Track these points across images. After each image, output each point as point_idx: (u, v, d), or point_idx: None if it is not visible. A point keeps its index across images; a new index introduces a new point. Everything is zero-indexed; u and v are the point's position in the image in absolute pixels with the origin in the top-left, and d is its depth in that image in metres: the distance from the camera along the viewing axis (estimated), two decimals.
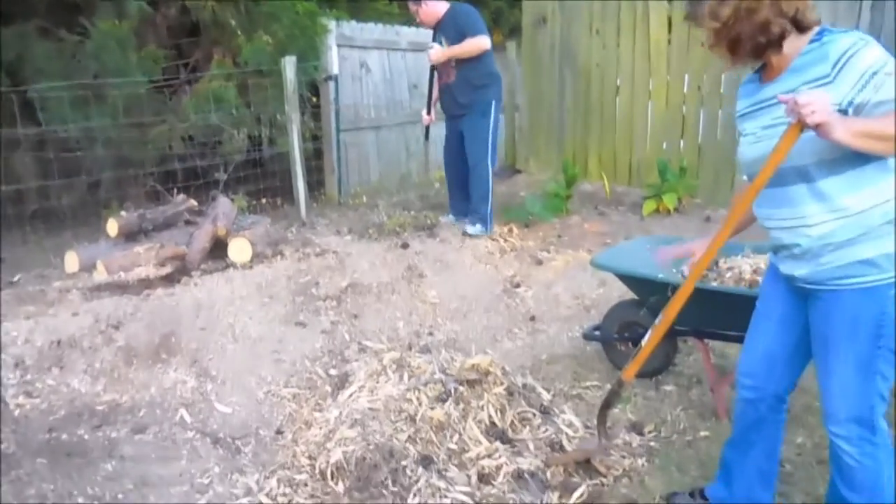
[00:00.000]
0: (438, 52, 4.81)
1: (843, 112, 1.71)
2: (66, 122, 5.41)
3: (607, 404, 2.43)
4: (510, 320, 3.82)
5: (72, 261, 4.44)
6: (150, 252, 4.39)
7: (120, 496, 2.48)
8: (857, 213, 1.77)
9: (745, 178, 2.01)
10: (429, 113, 5.25)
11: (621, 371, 2.31)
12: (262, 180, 5.91)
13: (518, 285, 4.15)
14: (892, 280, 1.76)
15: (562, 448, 2.61)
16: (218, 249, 4.59)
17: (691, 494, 2.34)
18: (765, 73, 1.91)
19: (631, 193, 5.82)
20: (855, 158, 1.74)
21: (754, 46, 1.80)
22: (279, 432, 2.84)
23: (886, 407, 1.87)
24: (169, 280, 4.21)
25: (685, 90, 5.56)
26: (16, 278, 4.50)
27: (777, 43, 1.80)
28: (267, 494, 2.40)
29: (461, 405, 2.72)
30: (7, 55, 5.64)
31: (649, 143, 5.85)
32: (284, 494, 2.38)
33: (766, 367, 2.06)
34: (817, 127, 1.64)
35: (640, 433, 2.77)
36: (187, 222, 4.81)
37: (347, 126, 6.58)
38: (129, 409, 2.95)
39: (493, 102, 4.82)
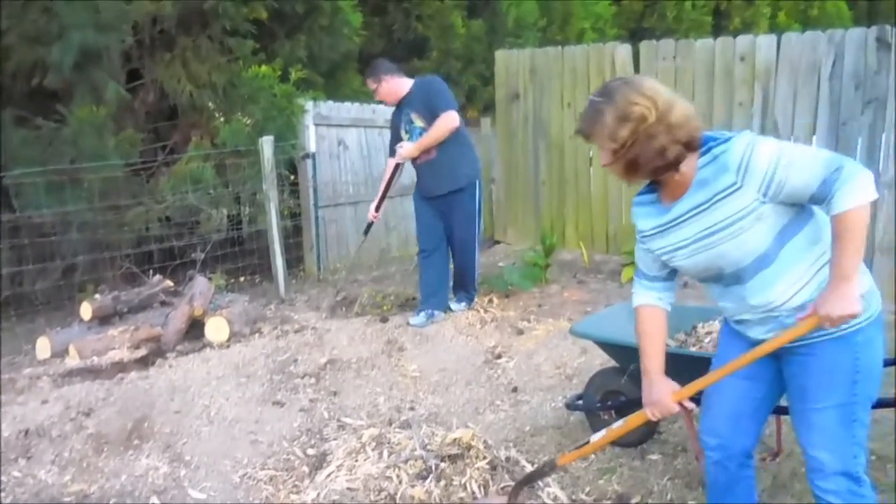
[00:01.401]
0: (408, 149, 4.59)
1: (758, 206, 1.79)
2: (42, 207, 5.43)
3: (528, 479, 2.47)
4: (492, 392, 3.77)
5: (43, 346, 4.37)
6: (124, 335, 4.36)
7: None
8: (813, 275, 1.84)
9: (696, 282, 2.07)
10: (378, 210, 5.00)
11: (558, 456, 2.34)
12: (241, 258, 5.92)
13: (499, 356, 4.13)
14: (859, 325, 1.81)
15: None
16: (195, 329, 4.56)
17: None
18: (664, 192, 1.96)
19: (609, 261, 5.88)
20: (786, 235, 1.83)
21: (652, 169, 1.86)
22: None
23: (866, 456, 1.87)
24: (144, 363, 4.16)
25: None
26: None
27: (674, 166, 1.85)
28: None
29: (442, 482, 2.66)
30: None
31: (625, 211, 5.95)
32: None
33: (732, 425, 2.07)
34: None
35: (627, 503, 2.71)
36: (163, 303, 4.78)
37: (326, 202, 6.65)
38: (97, 500, 2.84)
39: (477, 180, 4.68)
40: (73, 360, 4.17)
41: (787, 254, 1.84)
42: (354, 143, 7.15)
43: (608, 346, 2.99)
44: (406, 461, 2.73)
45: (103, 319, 4.52)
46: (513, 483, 2.73)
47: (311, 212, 6.34)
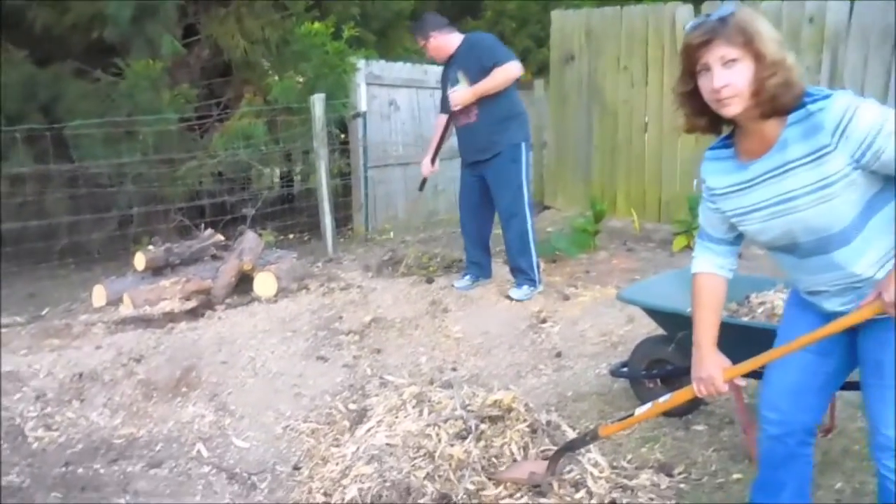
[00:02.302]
0: (463, 94, 4.25)
1: (850, 172, 1.64)
2: (98, 158, 5.55)
3: (569, 447, 2.43)
4: (535, 356, 3.73)
5: (99, 294, 4.49)
6: (175, 286, 4.44)
7: None
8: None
9: (765, 250, 1.93)
10: (433, 163, 4.68)
11: (600, 425, 2.30)
12: (290, 216, 5.97)
13: (544, 321, 4.07)
14: None
15: (587, 490, 2.51)
16: (244, 284, 4.62)
17: None
18: (742, 147, 1.79)
19: (660, 230, 5.73)
20: (874, 204, 1.69)
21: (779, 106, 1.67)
22: (297, 468, 2.78)
23: None
24: (193, 314, 4.23)
25: None
26: (44, 312, 4.57)
27: (781, 112, 1.68)
28: None
29: (482, 442, 2.63)
30: (43, 95, 5.82)
31: (679, 180, 5.78)
32: None
33: (794, 399, 1.95)
34: None
35: (670, 474, 2.65)
36: (214, 257, 4.86)
37: (375, 163, 6.63)
38: (145, 444, 2.92)
39: (523, 144, 4.34)
40: (126, 309, 4.28)
41: (875, 225, 1.69)
42: (405, 104, 7.10)
43: (656, 314, 2.91)
44: (446, 420, 2.71)
45: (156, 270, 4.61)
46: (553, 447, 2.71)
47: (361, 171, 6.34)
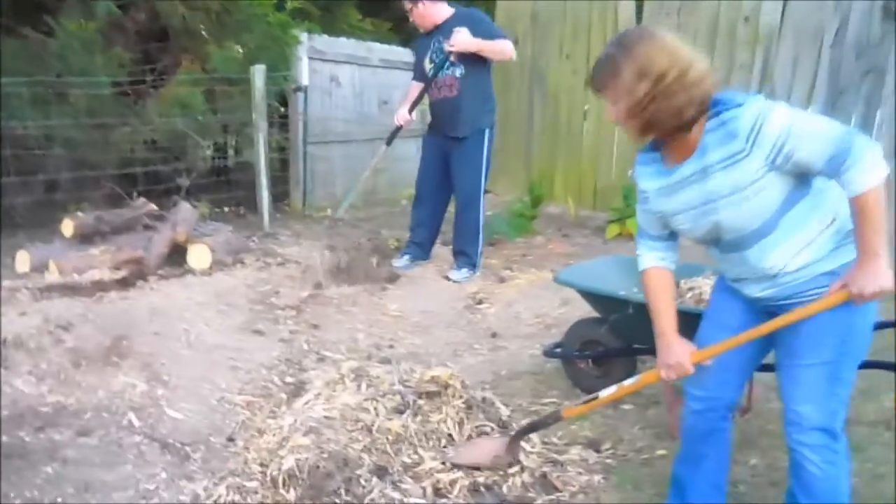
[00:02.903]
0: (466, 37, 4.12)
1: (765, 174, 1.77)
2: (26, 119, 5.30)
3: (532, 427, 2.53)
4: (472, 336, 3.81)
5: (23, 260, 4.33)
6: (105, 255, 4.31)
7: (59, 500, 2.38)
8: (811, 241, 1.84)
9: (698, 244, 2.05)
10: (410, 112, 4.49)
11: (564, 407, 2.40)
12: (226, 189, 5.85)
13: (480, 302, 4.16)
14: None
15: (521, 465, 2.59)
16: (177, 255, 4.52)
17: None
18: (668, 152, 1.92)
19: (595, 217, 5.90)
20: (789, 202, 1.81)
21: (667, 129, 1.82)
22: (230, 440, 2.77)
23: (846, 414, 1.91)
24: (124, 284, 4.12)
25: None
26: None
27: (689, 126, 1.81)
28: (215, 501, 2.33)
29: (419, 417, 2.70)
30: None
31: (615, 168, 5.95)
32: (234, 502, 2.32)
33: (720, 378, 2.07)
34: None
35: (597, 450, 2.76)
36: (146, 227, 4.73)
37: (315, 139, 6.56)
38: (74, 412, 2.84)
39: (491, 130, 4.39)
40: (52, 276, 4.13)
41: (788, 222, 1.82)
42: (347, 81, 7.03)
43: (591, 296, 3.02)
44: (384, 395, 2.76)
45: (85, 238, 4.46)
46: (487, 423, 2.79)
47: (300, 147, 6.26)
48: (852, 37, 4.80)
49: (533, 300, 4.20)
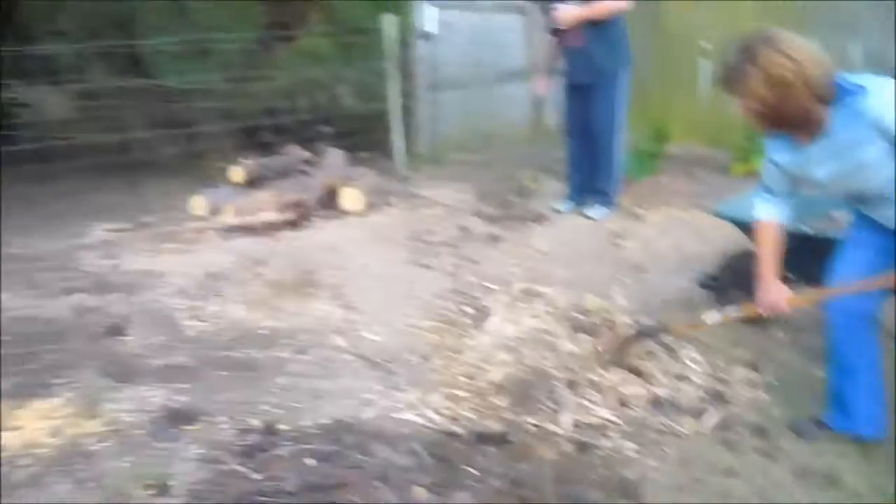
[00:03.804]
0: (572, 13, 4.30)
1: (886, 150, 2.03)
2: (174, 74, 5.75)
3: (642, 333, 2.95)
4: (618, 269, 4.06)
5: (199, 204, 4.82)
6: (271, 198, 4.75)
7: (296, 405, 2.83)
8: None
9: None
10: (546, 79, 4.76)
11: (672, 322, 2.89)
12: (358, 135, 6.19)
13: (621, 236, 4.40)
14: None
15: (690, 381, 2.88)
16: (328, 199, 4.93)
17: (814, 423, 2.61)
18: (797, 133, 2.15)
19: (716, 156, 6.00)
20: None
21: (793, 125, 2.08)
22: (425, 358, 3.15)
23: None
24: (292, 225, 4.57)
25: None
26: (147, 219, 4.89)
27: (814, 121, 2.06)
28: (432, 408, 2.72)
29: (592, 339, 3.03)
30: (118, 12, 5.98)
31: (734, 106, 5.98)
32: (448, 408, 2.70)
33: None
34: None
35: (757, 370, 3.03)
36: (300, 172, 5.15)
37: (430, 85, 6.78)
38: (288, 335, 3.30)
39: (626, 69, 4.51)
40: (229, 218, 4.60)
41: None
42: (458, 26, 7.18)
43: (750, 231, 3.22)
44: (560, 319, 3.10)
45: (248, 183, 4.92)
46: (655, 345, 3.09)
47: (422, 93, 6.51)
48: None
49: (670, 236, 4.42)
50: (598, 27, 4.37)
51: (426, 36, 6.04)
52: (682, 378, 2.91)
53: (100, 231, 4.61)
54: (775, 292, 2.39)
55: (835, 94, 2.04)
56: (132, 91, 5.83)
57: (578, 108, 4.63)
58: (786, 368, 3.06)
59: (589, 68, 4.46)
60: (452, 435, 2.57)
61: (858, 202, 2.30)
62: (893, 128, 1.99)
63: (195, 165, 6.15)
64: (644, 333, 2.99)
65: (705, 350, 3.17)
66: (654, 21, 6.38)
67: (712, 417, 2.67)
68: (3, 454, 2.41)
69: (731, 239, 4.15)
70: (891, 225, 2.24)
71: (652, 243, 4.35)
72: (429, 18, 6.02)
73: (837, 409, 2.52)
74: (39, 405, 2.73)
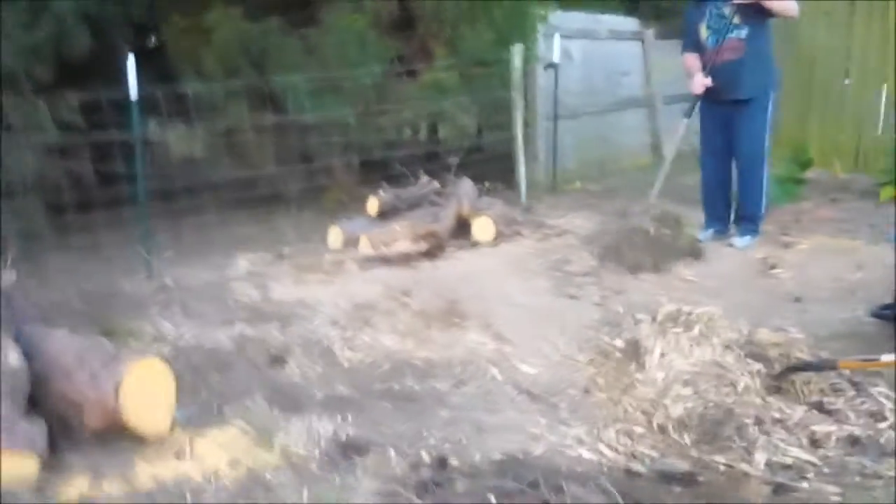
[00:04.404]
0: None
1: None
2: (308, 110, 5.92)
3: (804, 367, 2.81)
4: (772, 299, 3.86)
5: (336, 236, 4.90)
6: (406, 229, 4.78)
7: (462, 439, 2.77)
8: None
9: None
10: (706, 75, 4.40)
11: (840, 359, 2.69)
12: (482, 165, 6.20)
13: (773, 267, 4.19)
14: None
15: (886, 420, 2.66)
16: (459, 229, 4.93)
17: None
18: None
19: (859, 180, 5.67)
20: None
21: None
22: (587, 392, 3.05)
23: None
24: (429, 255, 4.58)
25: None
26: (285, 251, 5.01)
27: None
28: (607, 444, 2.61)
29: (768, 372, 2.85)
30: (253, 49, 6.24)
31: (882, 126, 5.67)
32: (624, 445, 2.59)
33: None
34: None
35: None
36: (431, 203, 5.18)
37: (548, 115, 6.75)
38: (444, 366, 3.26)
39: (774, 91, 4.44)
40: (365, 249, 4.65)
41: None
42: (578, 55, 7.17)
43: None
44: (730, 350, 2.94)
45: (382, 215, 4.99)
46: (838, 379, 2.88)
47: (542, 123, 6.48)
48: None
49: (825, 265, 4.17)
50: (760, 42, 4.29)
51: (553, 66, 6.00)
52: (876, 416, 2.69)
53: (243, 262, 4.76)
54: None
55: None
56: (266, 127, 6.06)
57: (722, 129, 4.48)
58: None
59: (745, 84, 4.33)
60: (632, 473, 2.45)
61: None
62: None
63: (319, 198, 6.31)
64: (807, 367, 2.82)
65: (893, 387, 2.94)
66: (793, 41, 6.13)
67: None
68: (188, 485, 2.45)
69: (889, 267, 3.92)
70: None
71: (805, 272, 4.11)
72: (556, 48, 5.98)
73: None
74: (216, 435, 2.78)
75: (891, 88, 5.54)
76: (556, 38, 5.93)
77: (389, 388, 3.12)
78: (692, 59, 4.55)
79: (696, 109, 4.63)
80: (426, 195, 5.14)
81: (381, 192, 5.04)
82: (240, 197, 6.00)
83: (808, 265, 4.20)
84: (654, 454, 2.52)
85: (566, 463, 2.53)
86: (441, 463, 2.60)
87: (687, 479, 2.38)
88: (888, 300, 3.40)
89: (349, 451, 2.71)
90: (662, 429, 2.59)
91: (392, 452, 2.66)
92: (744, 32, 4.28)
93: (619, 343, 3.35)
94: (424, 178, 5.28)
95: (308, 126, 6.13)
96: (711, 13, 4.38)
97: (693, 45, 4.54)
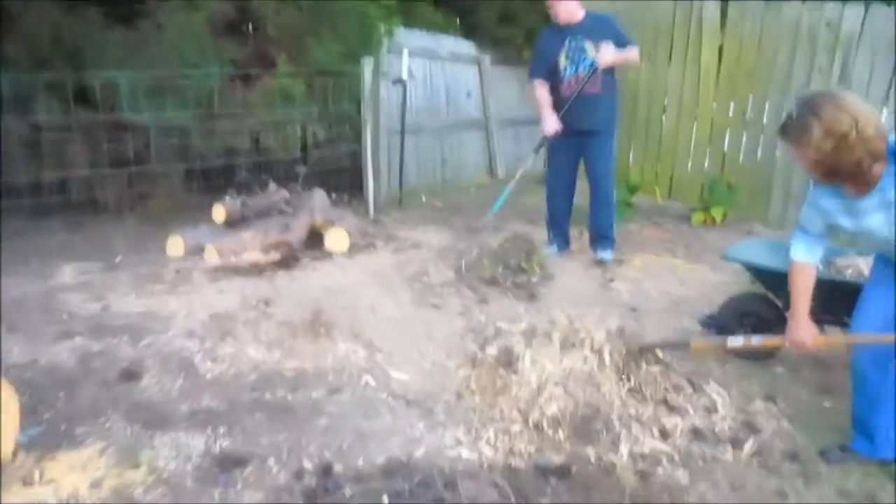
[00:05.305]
0: (613, 54, 4.61)
1: None
2: (143, 111, 5.66)
3: (661, 344, 3.38)
4: (614, 308, 4.30)
5: (176, 245, 4.74)
6: (255, 239, 4.74)
7: (343, 446, 2.85)
8: None
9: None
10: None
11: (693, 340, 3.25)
12: (327, 176, 6.27)
13: (612, 280, 4.69)
14: None
15: (718, 413, 3.13)
16: (311, 239, 4.97)
17: (840, 449, 2.90)
18: (850, 187, 2.45)
19: (674, 206, 6.48)
20: None
21: (846, 175, 2.38)
22: (460, 396, 3.24)
23: None
24: (281, 266, 4.57)
25: (730, 114, 6.29)
26: (117, 259, 4.75)
27: (866, 173, 2.36)
28: (486, 443, 2.83)
29: (625, 374, 3.23)
30: (71, 41, 5.83)
31: (691, 162, 6.54)
32: (503, 442, 2.82)
33: (884, 327, 2.64)
34: None
35: (775, 402, 3.32)
36: (280, 212, 5.17)
37: (390, 130, 6.97)
38: (316, 375, 3.32)
39: (618, 120, 4.96)
40: (212, 259, 4.54)
41: None
42: (419, 74, 7.46)
43: (763, 273, 3.57)
44: (592, 354, 3.29)
45: (230, 223, 4.90)
46: (680, 379, 3.33)
47: (386, 137, 6.67)
48: None
49: (655, 280, 4.75)
50: (610, 80, 4.75)
51: (401, 82, 6.23)
52: (711, 410, 3.16)
53: (68, 271, 4.45)
54: (805, 330, 2.68)
55: (888, 153, 2.36)
56: (82, 126, 5.68)
57: (573, 156, 4.91)
58: (795, 400, 3.37)
59: (600, 116, 4.76)
60: (513, 469, 2.68)
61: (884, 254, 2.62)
62: None
63: (142, 205, 6.02)
64: (664, 345, 3.34)
65: (721, 384, 3.45)
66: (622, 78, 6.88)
67: (750, 445, 2.92)
68: None
69: (709, 283, 4.57)
70: None
71: (639, 286, 4.65)
72: (405, 65, 6.22)
73: (862, 436, 2.82)
74: (68, 457, 2.64)
75: (700, 126, 6.43)
76: (405, 55, 6.18)
77: (260, 398, 3.12)
78: (542, 91, 4.84)
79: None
80: (275, 204, 5.12)
81: (227, 199, 4.94)
82: (48, 202, 5.58)
83: (640, 280, 4.75)
84: (532, 450, 2.77)
85: (448, 463, 2.71)
86: (326, 470, 2.67)
87: (563, 471, 2.65)
88: (709, 311, 3.96)
89: (226, 464, 2.70)
90: (538, 426, 2.86)
91: (272, 462, 2.70)
92: (601, 70, 4.68)
93: (491, 350, 3.58)
94: (272, 187, 5.26)
95: (136, 128, 5.85)
96: (571, 45, 4.71)
97: (545, 72, 4.83)
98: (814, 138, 2.30)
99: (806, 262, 2.71)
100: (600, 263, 4.90)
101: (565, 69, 4.75)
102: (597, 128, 4.79)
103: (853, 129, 2.27)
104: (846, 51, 5.73)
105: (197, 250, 4.65)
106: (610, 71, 4.75)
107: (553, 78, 4.80)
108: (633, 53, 4.74)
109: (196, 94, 5.81)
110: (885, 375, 2.71)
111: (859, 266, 3.48)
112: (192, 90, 5.78)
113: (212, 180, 5.99)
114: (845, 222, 2.56)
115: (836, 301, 3.26)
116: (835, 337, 2.69)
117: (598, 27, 4.71)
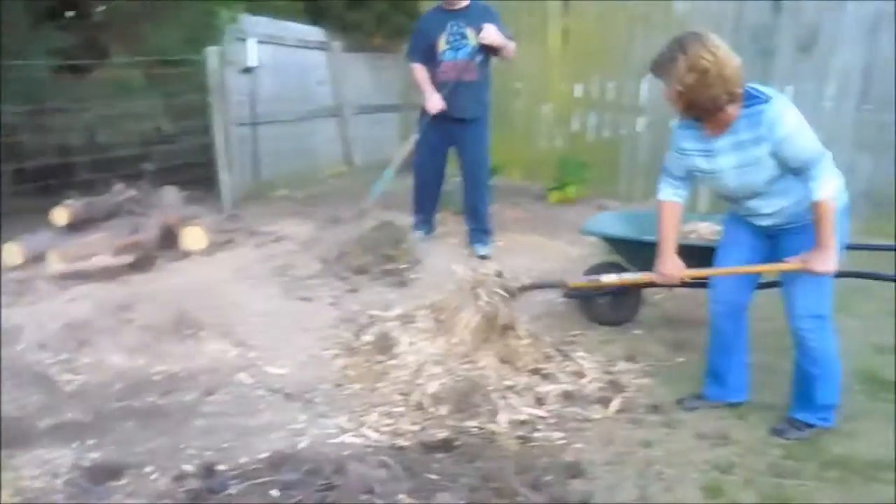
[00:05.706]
0: (496, 34, 4.65)
1: (768, 156, 2.65)
2: None
3: (540, 285, 3.65)
4: None
5: (12, 252, 4.44)
6: (103, 241, 4.54)
7: (224, 445, 2.84)
8: (793, 199, 2.77)
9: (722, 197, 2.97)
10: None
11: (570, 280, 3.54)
12: (175, 171, 6.05)
13: (482, 258, 4.90)
14: None
15: (587, 377, 3.40)
16: (167, 239, 4.82)
17: (695, 397, 3.25)
18: (708, 125, 2.75)
19: (530, 187, 6.82)
20: (782, 175, 2.71)
21: (704, 110, 2.67)
22: (339, 385, 3.31)
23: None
24: (136, 268, 4.41)
25: (577, 94, 6.71)
26: None
27: (721, 110, 2.66)
28: (370, 427, 2.92)
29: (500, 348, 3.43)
30: None
31: (544, 143, 6.91)
32: (387, 425, 2.93)
33: (738, 285, 3.00)
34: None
35: (635, 362, 3.64)
36: (129, 212, 4.96)
37: (241, 120, 6.84)
38: (187, 377, 3.26)
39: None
40: (57, 265, 4.29)
41: (778, 186, 2.74)
42: (267, 61, 7.34)
43: (620, 243, 3.88)
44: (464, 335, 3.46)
45: (73, 226, 4.65)
46: (549, 348, 3.57)
47: (250, 128, 6.54)
48: (747, 23, 6.05)
49: (519, 258, 5.00)
50: (485, 68, 4.86)
51: (249, 70, 6.11)
52: (579, 374, 3.42)
53: None
54: (672, 265, 2.95)
55: (745, 98, 2.64)
56: None
57: (444, 143, 4.98)
58: (653, 358, 3.70)
59: (475, 105, 4.87)
60: (399, 448, 2.80)
61: (738, 203, 2.87)
62: (779, 134, 2.59)
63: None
64: (543, 285, 3.63)
65: (587, 349, 3.74)
66: None
67: (616, 403, 3.20)
68: None
69: (569, 257, 4.89)
70: (761, 225, 2.88)
71: (506, 263, 4.87)
72: (251, 53, 6.10)
73: (715, 383, 3.17)
74: None
75: (553, 107, 6.81)
76: (252, 42, 6.07)
77: (128, 406, 3.05)
78: (422, 72, 4.88)
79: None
80: (123, 204, 4.91)
81: (69, 200, 4.68)
82: None
83: (505, 259, 4.98)
84: (416, 428, 2.90)
85: (335, 450, 2.77)
86: (208, 470, 2.66)
87: (448, 445, 2.80)
88: None
89: (99, 476, 2.63)
90: (420, 405, 2.98)
91: (150, 469, 2.65)
92: (479, 57, 4.78)
93: (366, 337, 3.66)
94: (119, 186, 5.03)
95: None
96: (452, 29, 4.76)
97: (422, 55, 4.86)
98: (678, 70, 2.56)
99: (669, 199, 2.96)
100: (482, 260, 4.98)
101: (444, 52, 4.80)
102: (472, 115, 4.88)
103: (714, 65, 2.53)
104: (680, 30, 6.24)
105: (38, 257, 4.38)
106: (486, 60, 4.86)
107: (430, 62, 4.85)
108: (512, 45, 4.85)
109: (22, 88, 5.43)
110: (738, 327, 3.05)
111: (699, 230, 3.87)
112: (16, 83, 5.39)
113: (46, 181, 5.63)
114: (702, 163, 2.81)
115: (693, 265, 3.62)
116: (698, 270, 2.96)
117: (481, 17, 4.78)
